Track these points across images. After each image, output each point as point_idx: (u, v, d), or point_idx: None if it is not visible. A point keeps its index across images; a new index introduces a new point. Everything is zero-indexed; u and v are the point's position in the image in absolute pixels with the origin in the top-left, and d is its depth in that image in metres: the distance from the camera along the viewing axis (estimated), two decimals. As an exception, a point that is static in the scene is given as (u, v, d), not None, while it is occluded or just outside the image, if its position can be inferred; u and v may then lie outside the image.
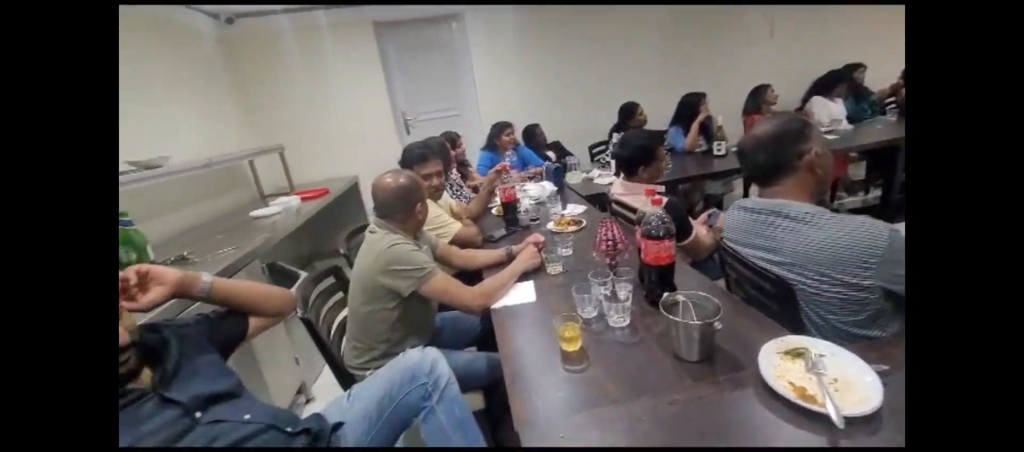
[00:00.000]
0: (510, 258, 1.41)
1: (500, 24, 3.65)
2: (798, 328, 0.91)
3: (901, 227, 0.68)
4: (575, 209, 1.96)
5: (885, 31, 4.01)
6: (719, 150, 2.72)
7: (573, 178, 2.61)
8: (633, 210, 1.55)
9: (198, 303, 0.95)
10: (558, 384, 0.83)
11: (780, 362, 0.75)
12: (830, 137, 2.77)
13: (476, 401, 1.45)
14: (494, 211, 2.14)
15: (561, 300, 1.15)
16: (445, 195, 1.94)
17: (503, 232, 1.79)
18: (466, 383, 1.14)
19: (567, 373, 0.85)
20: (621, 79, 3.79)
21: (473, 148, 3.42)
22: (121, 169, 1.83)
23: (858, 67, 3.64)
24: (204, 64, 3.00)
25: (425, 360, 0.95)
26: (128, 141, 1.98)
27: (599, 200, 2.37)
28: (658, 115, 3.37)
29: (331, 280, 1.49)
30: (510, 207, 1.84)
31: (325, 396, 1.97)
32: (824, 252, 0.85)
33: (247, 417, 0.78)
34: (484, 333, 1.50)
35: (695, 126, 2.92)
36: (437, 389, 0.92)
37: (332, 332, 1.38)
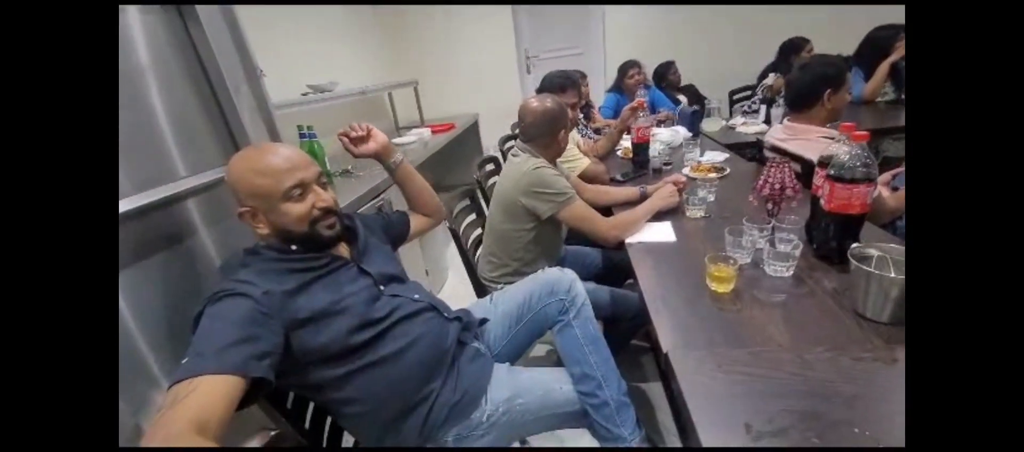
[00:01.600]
0: (643, 197, 1.35)
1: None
2: None
3: None
4: (715, 156, 1.77)
5: None
6: (915, 100, 2.16)
7: (710, 125, 2.34)
8: (799, 160, 1.33)
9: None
10: (710, 318, 0.79)
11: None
12: None
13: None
14: (619, 153, 2.05)
15: (707, 243, 1.08)
16: (574, 132, 1.91)
17: (631, 174, 1.71)
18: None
19: (719, 311, 0.81)
20: (773, 19, 3.17)
21: (597, 92, 3.27)
22: (302, 92, 2.17)
23: None
24: (358, 7, 3.30)
25: (565, 278, 0.99)
26: (306, 70, 2.32)
27: (743, 150, 2.10)
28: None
29: (467, 201, 1.62)
30: (641, 148, 1.74)
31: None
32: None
33: (416, 296, 0.91)
34: (606, 269, 1.50)
35: (884, 67, 2.33)
36: (574, 306, 0.96)
37: (468, 245, 1.52)
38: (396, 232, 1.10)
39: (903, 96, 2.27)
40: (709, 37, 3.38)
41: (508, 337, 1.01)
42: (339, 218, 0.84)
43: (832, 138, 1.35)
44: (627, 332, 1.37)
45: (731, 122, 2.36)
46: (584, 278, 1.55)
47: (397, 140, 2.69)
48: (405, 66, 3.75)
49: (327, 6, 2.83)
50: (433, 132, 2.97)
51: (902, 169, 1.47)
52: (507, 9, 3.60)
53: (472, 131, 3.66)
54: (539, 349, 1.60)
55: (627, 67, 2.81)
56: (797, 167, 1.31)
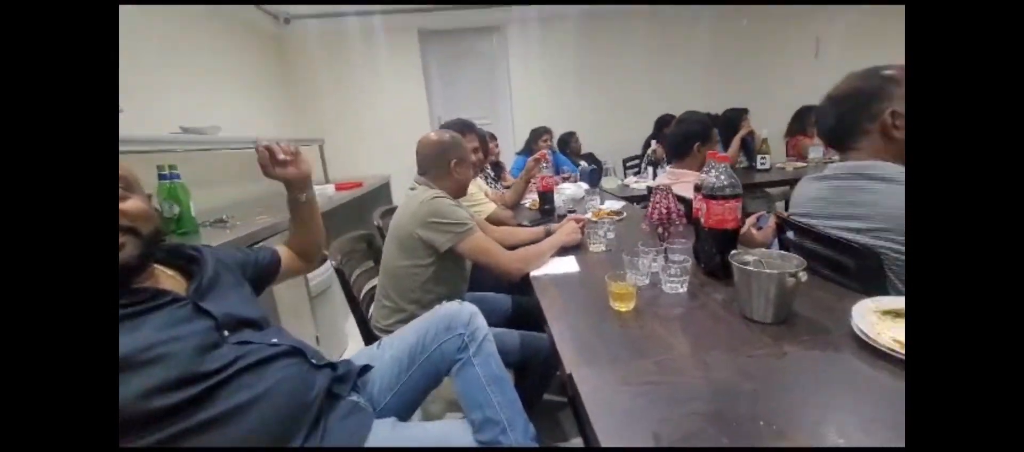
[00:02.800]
0: (548, 235, 1.34)
1: (540, 36, 3.73)
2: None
3: None
4: (613, 204, 1.89)
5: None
6: (763, 164, 2.62)
7: (608, 183, 2.55)
8: (681, 201, 1.47)
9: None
10: (613, 337, 0.74)
11: (877, 321, 0.65)
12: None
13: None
14: (528, 205, 2.09)
15: (609, 271, 1.07)
16: (481, 181, 1.91)
17: (539, 221, 1.73)
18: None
19: (622, 328, 0.77)
20: (658, 95, 3.77)
21: (507, 156, 3.43)
22: (173, 132, 1.90)
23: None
24: (259, 56, 3.16)
25: (463, 310, 0.89)
26: (182, 111, 2.07)
27: (636, 201, 2.29)
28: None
29: (364, 246, 1.46)
30: (546, 197, 1.79)
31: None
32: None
33: (274, 341, 0.73)
34: (517, 315, 1.42)
35: (736, 141, 2.83)
36: (474, 341, 0.85)
37: (361, 296, 1.34)
38: (261, 270, 0.91)
39: (754, 164, 2.74)
40: (603, 112, 3.84)
41: (397, 386, 0.85)
42: (138, 237, 0.64)
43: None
44: (540, 379, 1.27)
45: (625, 181, 2.60)
46: (493, 325, 1.46)
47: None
48: (311, 125, 3.59)
49: (230, 58, 2.65)
50: (337, 189, 2.78)
51: (763, 213, 1.71)
52: (420, 77, 3.74)
53: (383, 192, 3.53)
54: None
55: (540, 132, 3.03)
56: (680, 202, 1.44)
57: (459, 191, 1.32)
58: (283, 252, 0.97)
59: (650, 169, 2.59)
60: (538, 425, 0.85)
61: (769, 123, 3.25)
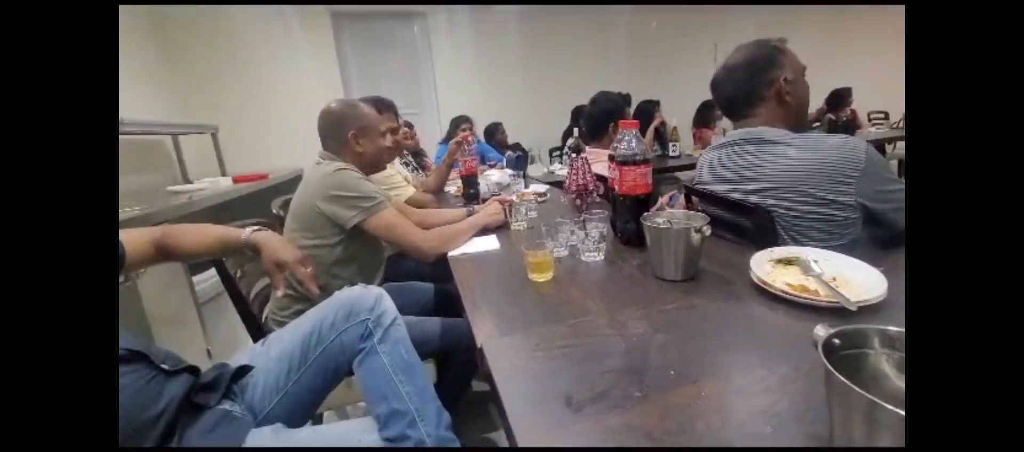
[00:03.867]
0: (470, 215, 1.28)
1: (463, 26, 3.65)
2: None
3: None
4: (538, 187, 1.88)
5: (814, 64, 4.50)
6: (673, 151, 2.81)
7: (534, 171, 2.56)
8: (599, 179, 1.50)
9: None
10: (530, 306, 0.70)
11: (772, 269, 0.68)
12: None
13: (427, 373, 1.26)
14: (453, 191, 2.01)
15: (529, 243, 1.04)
16: (400, 166, 1.79)
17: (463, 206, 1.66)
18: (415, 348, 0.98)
19: (540, 296, 0.73)
20: (581, 88, 3.89)
21: (432, 147, 3.30)
22: None
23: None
24: (132, 34, 2.66)
25: (368, 294, 0.78)
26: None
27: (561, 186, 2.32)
28: (615, 123, 3.48)
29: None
30: (470, 181, 1.73)
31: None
32: (805, 170, 0.82)
33: None
34: (439, 303, 1.34)
35: (649, 132, 3.01)
36: (380, 327, 0.75)
37: (252, 295, 1.15)
38: None
39: (666, 152, 2.93)
40: (529, 104, 3.87)
41: (285, 387, 0.72)
42: None
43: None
44: (463, 368, 1.19)
45: (550, 168, 2.63)
46: (413, 315, 1.36)
47: (176, 187, 2.11)
48: (202, 111, 3.13)
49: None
50: (235, 181, 2.45)
51: (675, 192, 1.79)
52: (334, 64, 3.45)
53: (294, 184, 3.20)
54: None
55: (459, 121, 2.94)
56: (598, 180, 1.46)
57: (368, 167, 1.20)
58: (134, 242, 0.77)
59: (576, 131, 2.65)
60: (465, 416, 0.79)
61: (677, 115, 3.54)
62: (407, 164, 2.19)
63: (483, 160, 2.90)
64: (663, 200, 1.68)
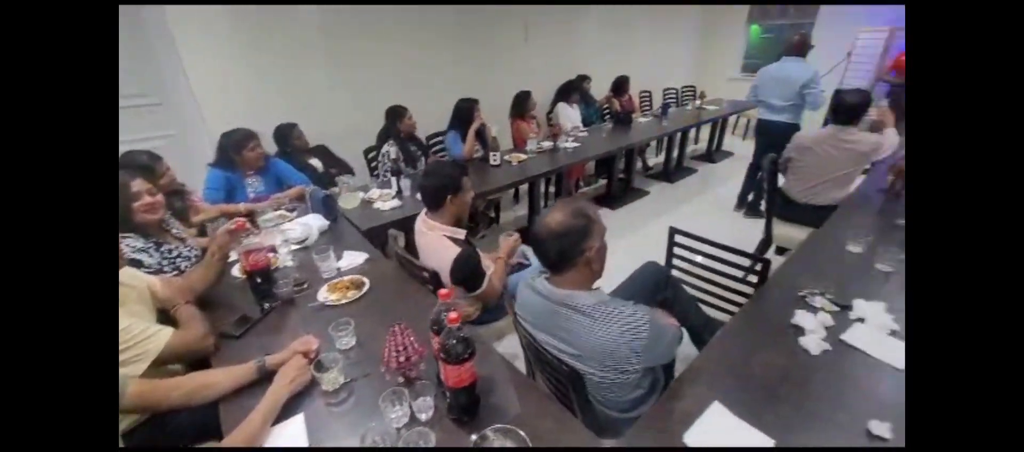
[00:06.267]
0: (263, 374, 1.01)
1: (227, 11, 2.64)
2: (586, 406, 0.99)
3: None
4: (353, 259, 1.63)
5: (602, 48, 5.10)
6: (494, 161, 2.84)
7: (348, 202, 2.21)
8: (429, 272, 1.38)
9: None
10: None
11: None
12: (572, 145, 3.32)
13: None
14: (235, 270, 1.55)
15: (349, 432, 0.89)
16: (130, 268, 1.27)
17: (242, 328, 1.24)
18: None
19: None
20: (393, 79, 3.46)
21: (196, 158, 2.47)
22: None
23: (585, 78, 4.48)
24: None
25: None
26: None
27: (382, 235, 2.09)
28: (430, 120, 3.26)
29: None
30: (260, 276, 1.34)
31: None
32: (607, 346, 0.92)
33: None
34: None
35: (471, 133, 2.95)
36: None
37: None
38: None
39: (487, 158, 2.94)
40: (325, 97, 3.22)
41: None
42: None
43: (455, 238, 1.50)
44: None
45: (369, 194, 2.32)
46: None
47: None
48: None
49: None
50: None
51: (517, 236, 1.76)
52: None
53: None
54: None
55: (241, 139, 2.20)
56: (426, 273, 1.35)
57: None
58: None
59: (394, 180, 2.40)
60: None
61: (498, 105, 3.56)
62: (166, 227, 1.59)
63: (279, 185, 2.35)
64: (507, 246, 1.65)
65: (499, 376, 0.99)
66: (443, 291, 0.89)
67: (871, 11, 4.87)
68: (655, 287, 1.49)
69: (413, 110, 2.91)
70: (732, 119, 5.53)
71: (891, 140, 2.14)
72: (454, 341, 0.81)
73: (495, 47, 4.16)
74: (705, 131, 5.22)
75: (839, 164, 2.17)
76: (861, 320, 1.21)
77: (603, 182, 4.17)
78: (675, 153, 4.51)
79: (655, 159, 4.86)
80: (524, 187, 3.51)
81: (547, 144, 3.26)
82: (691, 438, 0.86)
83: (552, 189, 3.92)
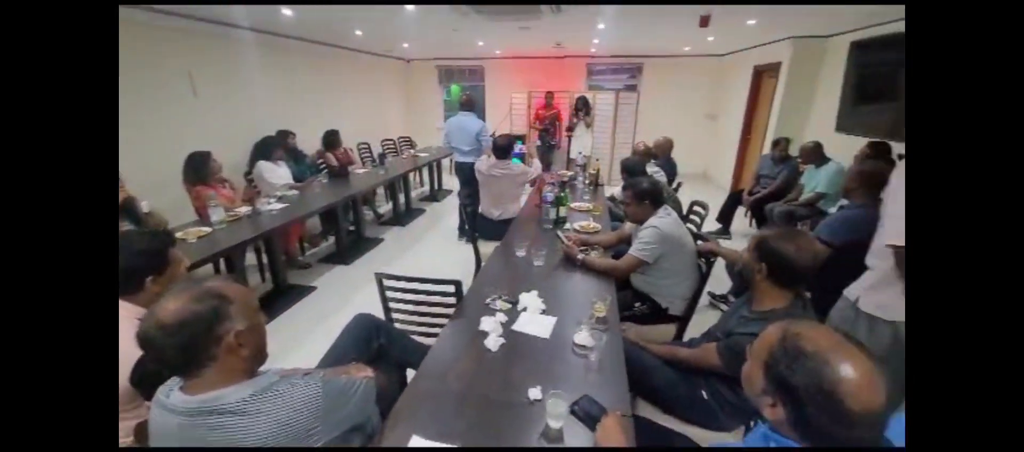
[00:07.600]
0: None
1: None
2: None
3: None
4: None
5: (305, 101, 4.83)
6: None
7: None
8: None
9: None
10: None
11: None
12: (279, 205, 2.97)
13: None
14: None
15: None
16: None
17: None
18: None
19: None
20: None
21: None
22: None
23: (289, 134, 4.13)
24: None
25: None
26: None
27: None
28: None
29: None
30: None
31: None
32: (276, 436, 0.77)
33: None
34: None
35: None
36: None
37: None
38: None
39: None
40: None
41: None
42: None
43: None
44: None
45: None
46: None
47: None
48: None
49: None
50: None
51: None
52: None
53: None
54: None
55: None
56: None
57: None
58: None
59: None
60: None
61: (155, 167, 2.77)
62: None
63: None
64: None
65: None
66: None
67: (524, 80, 6.74)
68: (367, 337, 1.45)
69: None
70: (446, 161, 6.34)
71: (536, 167, 3.03)
72: None
73: (155, 102, 3.26)
74: (425, 174, 5.76)
75: (503, 185, 2.89)
76: (524, 309, 1.55)
77: (333, 239, 3.90)
78: (401, 198, 4.75)
79: (385, 207, 4.97)
80: (223, 265, 2.84)
81: (244, 209, 2.77)
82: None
83: (265, 259, 3.33)
